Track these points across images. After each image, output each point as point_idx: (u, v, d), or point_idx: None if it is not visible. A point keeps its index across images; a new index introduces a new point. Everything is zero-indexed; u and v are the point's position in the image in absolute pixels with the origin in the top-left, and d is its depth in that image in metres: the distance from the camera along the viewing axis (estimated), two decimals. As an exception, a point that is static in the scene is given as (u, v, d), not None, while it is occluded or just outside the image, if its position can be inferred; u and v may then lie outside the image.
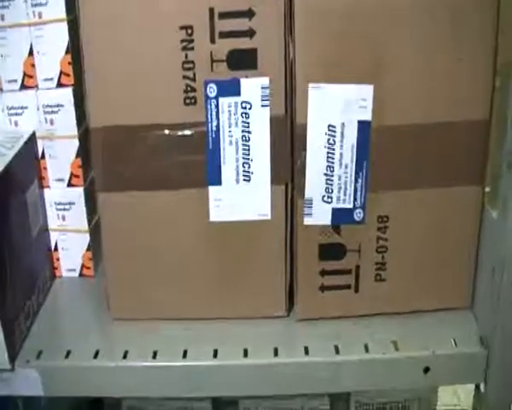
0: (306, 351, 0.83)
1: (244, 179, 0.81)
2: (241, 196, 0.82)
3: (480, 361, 0.83)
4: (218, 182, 0.81)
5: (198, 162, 0.81)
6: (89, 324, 0.89)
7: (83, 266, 0.98)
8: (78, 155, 0.92)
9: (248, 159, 0.81)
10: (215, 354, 0.83)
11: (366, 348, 0.83)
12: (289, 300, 0.88)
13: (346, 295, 0.86)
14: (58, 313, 0.93)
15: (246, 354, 0.83)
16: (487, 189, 0.83)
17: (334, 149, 0.80)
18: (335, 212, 0.83)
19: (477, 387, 0.88)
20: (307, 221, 0.83)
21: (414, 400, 1.04)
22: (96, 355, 0.83)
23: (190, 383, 0.83)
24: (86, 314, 0.91)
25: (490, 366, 0.83)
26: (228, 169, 0.81)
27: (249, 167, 0.81)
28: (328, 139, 0.80)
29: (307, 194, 0.82)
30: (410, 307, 0.88)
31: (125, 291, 0.87)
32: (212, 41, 0.77)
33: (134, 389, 0.84)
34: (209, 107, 0.79)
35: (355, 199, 0.82)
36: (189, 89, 0.78)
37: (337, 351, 0.83)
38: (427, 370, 0.83)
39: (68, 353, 0.84)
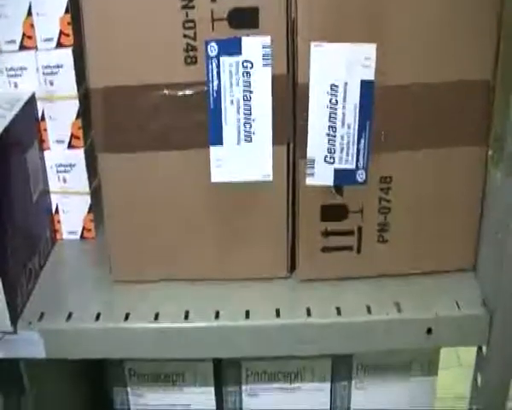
0: (308, 312, 0.83)
1: (245, 140, 0.81)
2: (243, 157, 0.81)
3: (483, 323, 0.83)
4: (220, 142, 0.81)
5: (199, 123, 0.80)
6: (90, 286, 0.89)
7: (84, 228, 0.97)
8: (78, 117, 0.91)
9: (250, 119, 0.80)
10: (217, 316, 0.83)
11: (368, 310, 0.83)
12: (291, 261, 0.87)
13: (348, 257, 0.86)
14: (59, 275, 0.92)
15: (247, 315, 0.83)
16: (491, 152, 0.83)
17: (336, 109, 0.80)
18: (338, 172, 0.82)
19: (479, 349, 0.89)
20: (309, 182, 0.82)
21: (416, 361, 1.04)
22: (97, 317, 0.83)
23: (192, 344, 0.83)
24: (88, 277, 0.91)
25: (492, 329, 0.82)
26: (229, 129, 0.80)
27: (250, 127, 0.80)
28: (331, 99, 0.79)
29: (309, 154, 0.81)
30: (412, 269, 0.87)
31: (127, 253, 0.87)
32: (213, -1, 0.76)
33: (135, 350, 0.84)
34: (210, 66, 0.78)
35: (357, 160, 0.82)
36: (189, 48, 0.78)
37: (339, 312, 0.83)
38: (429, 331, 0.82)
39: (70, 315, 0.84)
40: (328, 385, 1.05)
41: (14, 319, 0.82)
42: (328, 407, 1.08)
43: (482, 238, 0.86)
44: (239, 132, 0.81)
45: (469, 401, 0.93)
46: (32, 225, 0.90)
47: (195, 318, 0.83)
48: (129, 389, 1.07)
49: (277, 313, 0.83)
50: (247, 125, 0.80)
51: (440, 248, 0.87)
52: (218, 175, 0.82)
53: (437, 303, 0.83)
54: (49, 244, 0.95)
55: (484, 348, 0.86)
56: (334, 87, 0.79)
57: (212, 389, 1.06)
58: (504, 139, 0.78)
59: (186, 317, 0.83)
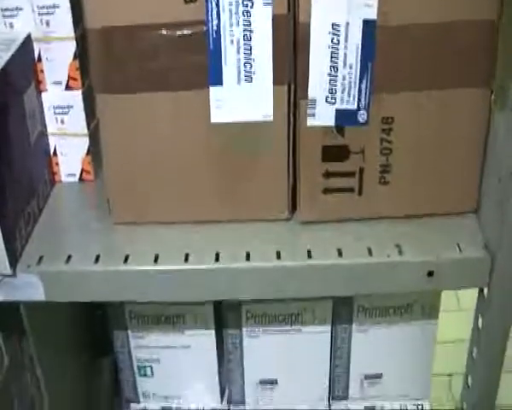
0: (309, 254, 0.82)
1: (246, 80, 0.79)
2: (243, 97, 0.80)
3: (484, 266, 0.82)
4: (219, 82, 0.79)
5: (198, 63, 0.79)
6: (89, 228, 0.88)
7: (82, 170, 0.97)
8: (75, 58, 0.90)
9: (250, 59, 0.79)
10: (217, 258, 0.82)
11: (369, 252, 0.83)
12: (292, 203, 0.87)
13: (349, 198, 0.86)
14: (58, 218, 0.92)
15: (248, 257, 0.82)
16: (494, 96, 0.81)
17: (338, 49, 0.78)
18: (339, 113, 0.81)
19: (480, 292, 0.89)
20: (310, 122, 0.81)
21: (417, 304, 1.04)
22: (96, 260, 0.83)
23: (192, 287, 0.83)
24: (87, 219, 0.90)
25: (494, 271, 0.82)
26: (229, 69, 0.79)
27: (251, 67, 0.79)
28: (332, 39, 0.78)
29: (310, 94, 0.80)
30: (414, 211, 0.87)
31: (126, 195, 0.86)
32: None
33: (135, 293, 0.84)
34: (209, 5, 0.77)
35: (359, 100, 0.80)
36: (188, -15, 0.76)
37: (340, 254, 0.82)
38: (430, 274, 0.82)
39: (69, 258, 0.83)
40: (328, 328, 1.06)
41: (13, 262, 0.82)
42: (329, 349, 1.08)
43: (484, 181, 0.86)
44: (239, 72, 0.79)
45: (469, 344, 0.93)
46: (30, 168, 0.89)
47: (195, 260, 0.82)
48: (129, 331, 1.08)
49: (278, 255, 0.82)
50: (248, 66, 0.79)
51: (442, 191, 0.86)
52: (217, 116, 0.81)
53: (438, 246, 0.83)
54: (47, 187, 0.94)
55: (485, 291, 0.86)
56: (335, 27, 0.77)
57: (212, 332, 1.07)
58: (508, 84, 0.77)
59: (186, 259, 0.82)
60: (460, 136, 0.84)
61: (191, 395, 1.15)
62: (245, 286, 0.83)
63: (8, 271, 0.81)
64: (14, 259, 0.82)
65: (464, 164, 0.85)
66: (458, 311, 2.21)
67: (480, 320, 0.89)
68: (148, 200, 0.87)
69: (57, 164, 0.96)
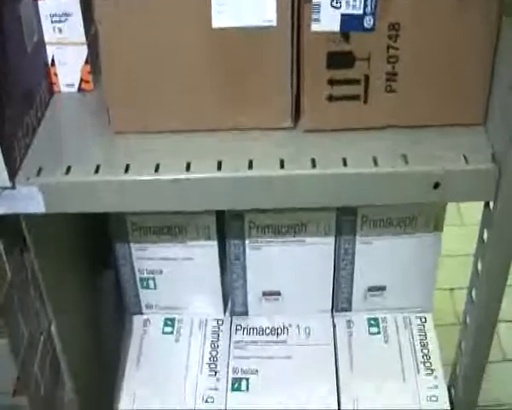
0: (313, 163, 0.81)
1: (248, -17, 0.77)
2: (245, 1, 0.78)
3: (491, 179, 0.81)
4: (221, -14, 0.77)
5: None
6: (89, 139, 0.87)
7: (81, 80, 0.95)
8: (70, -38, 0.88)
9: (252, -39, 0.76)
10: (219, 167, 0.81)
11: (375, 162, 0.81)
12: (296, 111, 0.85)
13: (354, 107, 0.84)
14: (57, 129, 0.90)
15: (251, 165, 0.81)
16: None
17: (344, -50, 0.76)
18: (344, 18, 0.79)
19: (486, 205, 0.88)
20: (315, 27, 0.79)
21: (421, 216, 1.04)
22: (96, 170, 0.82)
23: (194, 196, 0.82)
24: (86, 129, 0.89)
25: (500, 184, 0.81)
26: (231, -28, 0.77)
27: (253, -30, 0.77)
28: None
29: (315, -2, 0.78)
30: (420, 121, 0.85)
31: (126, 103, 0.85)
32: None
33: (136, 203, 0.83)
34: None
35: (365, 5, 0.78)
36: None
37: (345, 164, 0.81)
38: (436, 185, 0.81)
39: (69, 168, 0.82)
40: (332, 239, 1.06)
41: (12, 174, 0.81)
42: (332, 260, 1.08)
43: (493, 92, 0.84)
44: (241, -24, 0.77)
45: (474, 258, 0.93)
46: (28, 78, 0.87)
47: (197, 169, 0.81)
48: (131, 243, 1.08)
49: (281, 164, 0.81)
50: (250, -32, 0.77)
51: (450, 101, 0.85)
52: (219, 20, 0.79)
53: (445, 157, 0.82)
54: (45, 97, 0.93)
55: (491, 204, 0.85)
56: None
57: (215, 243, 1.07)
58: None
59: (188, 168, 0.81)
60: (468, 45, 0.81)
61: (194, 307, 1.16)
62: (248, 196, 0.82)
63: (8, 183, 0.80)
64: (13, 171, 0.81)
65: (472, 74, 0.83)
66: (461, 226, 2.22)
67: (486, 234, 0.89)
68: (148, 108, 0.85)
69: (55, 74, 0.94)
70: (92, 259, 1.14)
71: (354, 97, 0.84)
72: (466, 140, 0.84)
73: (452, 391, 1.08)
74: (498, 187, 0.81)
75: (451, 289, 2.09)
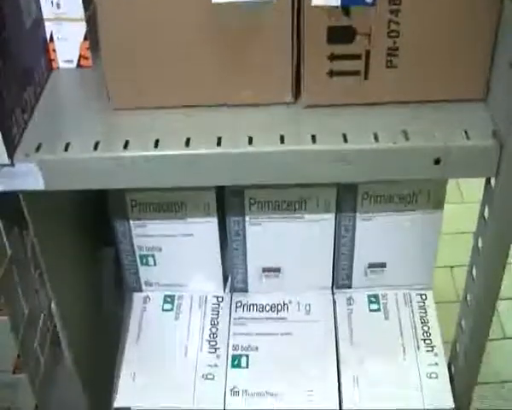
0: (314, 139, 0.81)
1: (248, -45, 0.77)
2: (245, -25, 0.77)
3: (492, 155, 0.81)
4: (220, -44, 0.77)
5: None
6: (88, 115, 0.87)
7: (80, 56, 0.94)
8: None
9: None
10: (219, 142, 0.81)
11: (375, 137, 0.81)
12: (296, 87, 0.85)
13: (355, 82, 0.83)
14: (56, 105, 0.90)
15: (251, 141, 0.81)
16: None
17: None
18: (345, -8, 0.78)
19: (487, 181, 0.88)
20: (315, 2, 0.78)
21: (422, 192, 1.03)
22: (96, 147, 0.81)
23: (194, 172, 0.81)
24: (85, 105, 0.88)
25: (502, 161, 0.81)
26: None
27: None
28: None
29: (316, -30, 0.77)
30: (421, 97, 0.85)
31: (125, 79, 0.84)
32: None
33: (136, 180, 0.83)
34: None
35: (366, -21, 0.78)
36: None
37: (345, 140, 0.81)
38: (437, 161, 0.81)
39: (68, 145, 0.82)
40: (332, 215, 1.05)
41: (11, 151, 0.80)
42: (333, 237, 1.08)
43: (495, 68, 0.83)
44: None
45: (475, 235, 0.93)
46: (26, 54, 0.87)
47: (197, 145, 0.81)
48: (131, 220, 1.08)
49: (282, 140, 0.81)
50: None
51: (451, 77, 0.84)
52: (218, -5, 0.78)
53: (446, 133, 0.81)
54: (44, 74, 0.92)
55: (492, 181, 0.85)
56: None
57: (215, 219, 1.06)
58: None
59: (187, 144, 0.81)
60: (470, 20, 0.81)
61: (194, 284, 1.16)
62: (248, 171, 0.82)
63: (6, 160, 0.80)
64: (11, 148, 0.80)
65: (474, 49, 0.83)
66: (461, 203, 2.22)
67: (487, 211, 0.88)
68: (147, 84, 0.84)
69: (54, 50, 0.94)
70: (92, 236, 1.14)
71: (355, 73, 0.83)
72: (467, 116, 0.84)
73: (452, 368, 1.08)
74: (500, 163, 0.81)
75: (451, 267, 2.09)
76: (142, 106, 0.86)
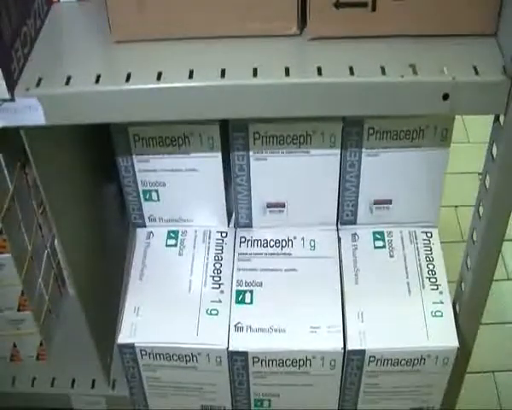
0: (319, 71, 0.79)
1: None
2: None
3: (502, 91, 0.79)
4: None
5: None
6: (89, 48, 0.85)
7: (81, -7, 0.92)
8: None
9: None
10: (223, 74, 0.79)
11: (383, 71, 0.79)
12: (302, 18, 0.83)
13: (362, 14, 0.81)
14: (57, 38, 0.88)
15: (255, 73, 0.79)
16: None
17: None
18: None
19: (496, 119, 0.86)
20: None
21: (429, 129, 1.02)
22: (97, 80, 0.80)
23: (197, 104, 0.80)
24: (86, 38, 0.87)
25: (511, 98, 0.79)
26: None
27: None
28: None
29: None
30: (430, 30, 0.83)
31: (127, 10, 0.82)
32: None
33: (138, 113, 0.82)
34: None
35: None
36: None
37: (352, 72, 0.79)
38: (446, 97, 0.79)
39: (69, 79, 0.81)
40: (338, 151, 1.04)
41: (11, 85, 0.79)
42: (338, 172, 1.07)
43: (506, 1, 0.81)
44: None
45: (482, 174, 0.92)
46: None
47: (200, 77, 0.79)
48: (134, 155, 1.06)
49: (287, 72, 0.79)
50: None
51: (461, 10, 0.82)
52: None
53: (455, 68, 0.79)
54: (44, 6, 0.90)
55: (501, 118, 0.84)
56: None
57: (218, 154, 1.05)
58: None
59: (190, 76, 0.80)
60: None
61: (198, 219, 1.15)
62: (252, 104, 0.81)
63: (6, 95, 0.79)
64: (11, 82, 0.79)
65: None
66: (467, 143, 2.21)
67: (495, 149, 0.87)
68: (149, 15, 0.83)
69: (53, -5, 0.92)
70: (95, 171, 1.13)
71: (362, 4, 0.81)
72: (477, 51, 0.82)
73: (457, 308, 1.08)
74: (509, 100, 0.79)
75: (456, 207, 2.09)
76: (144, 38, 0.84)
